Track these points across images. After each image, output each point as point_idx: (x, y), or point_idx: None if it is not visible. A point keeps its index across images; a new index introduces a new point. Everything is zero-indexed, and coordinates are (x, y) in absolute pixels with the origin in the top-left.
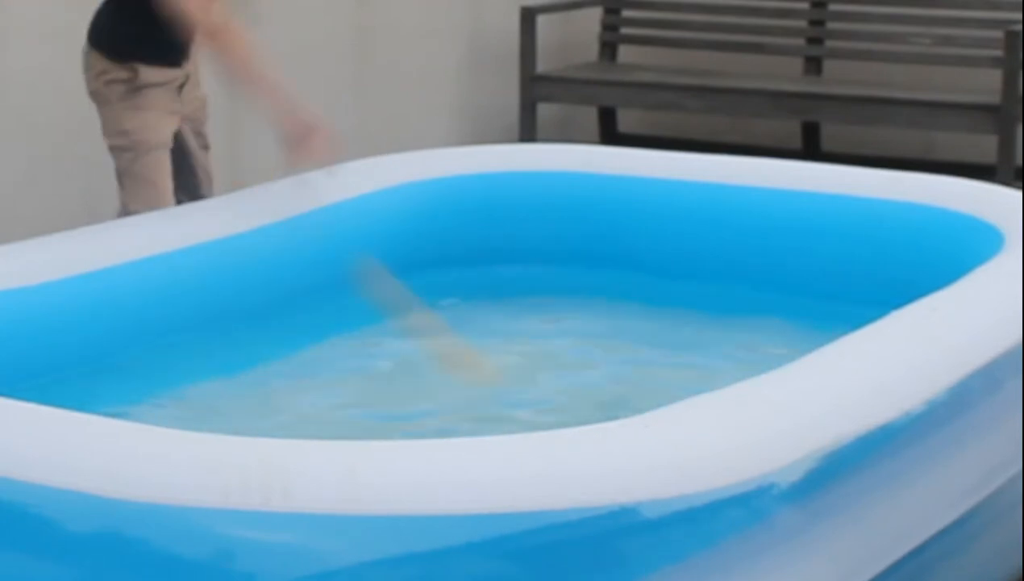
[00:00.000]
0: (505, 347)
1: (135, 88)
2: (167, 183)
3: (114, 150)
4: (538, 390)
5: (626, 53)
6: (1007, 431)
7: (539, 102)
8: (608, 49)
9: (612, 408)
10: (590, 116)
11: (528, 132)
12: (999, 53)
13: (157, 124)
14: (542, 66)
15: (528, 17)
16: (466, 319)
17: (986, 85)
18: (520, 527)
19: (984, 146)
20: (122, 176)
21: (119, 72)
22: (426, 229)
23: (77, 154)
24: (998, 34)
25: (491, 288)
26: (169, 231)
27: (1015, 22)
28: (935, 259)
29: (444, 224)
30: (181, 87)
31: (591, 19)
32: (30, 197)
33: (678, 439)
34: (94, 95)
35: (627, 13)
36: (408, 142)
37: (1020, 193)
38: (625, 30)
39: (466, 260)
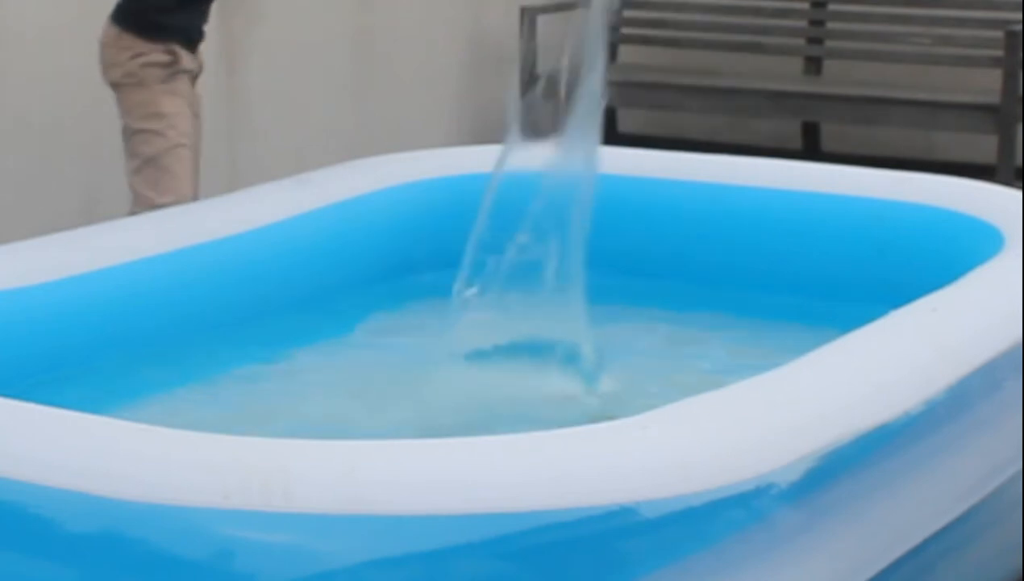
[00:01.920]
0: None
1: (173, 72)
2: (189, 179)
3: (144, 134)
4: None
5: (626, 53)
6: (1007, 431)
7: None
8: (608, 49)
9: (611, 408)
10: None
11: None
12: (999, 53)
13: (187, 113)
14: (542, 66)
15: (528, 17)
16: None
17: (986, 85)
18: (520, 527)
19: (984, 146)
20: (147, 164)
21: (159, 54)
22: (426, 229)
23: (77, 154)
24: (998, 34)
25: None
26: (170, 231)
27: (1015, 22)
28: (935, 259)
29: (444, 224)
30: (194, 79)
31: None
32: (30, 197)
33: (677, 439)
34: (127, 77)
35: (627, 13)
36: (408, 142)
37: (1020, 193)
38: (625, 30)
39: None
